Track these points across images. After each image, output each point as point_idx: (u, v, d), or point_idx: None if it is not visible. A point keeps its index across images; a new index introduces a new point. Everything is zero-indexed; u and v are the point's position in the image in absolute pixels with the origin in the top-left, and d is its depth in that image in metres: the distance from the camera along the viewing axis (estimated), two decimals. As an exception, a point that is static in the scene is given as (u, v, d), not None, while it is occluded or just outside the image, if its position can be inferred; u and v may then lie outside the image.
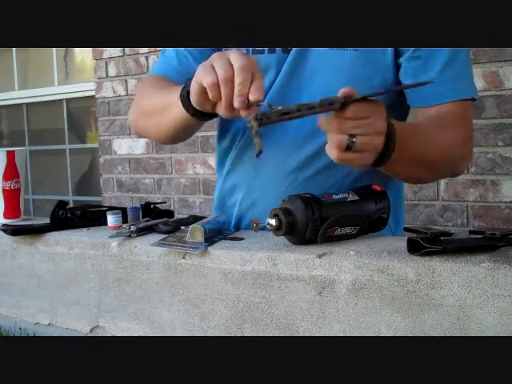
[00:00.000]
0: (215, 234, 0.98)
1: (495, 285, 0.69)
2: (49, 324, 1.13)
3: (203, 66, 0.83)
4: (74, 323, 1.09)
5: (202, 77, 0.82)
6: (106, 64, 3.17)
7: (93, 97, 3.28)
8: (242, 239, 0.95)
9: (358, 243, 0.86)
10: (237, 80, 0.79)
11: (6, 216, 1.27)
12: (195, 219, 1.06)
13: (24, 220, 1.30)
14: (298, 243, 0.88)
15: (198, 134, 2.84)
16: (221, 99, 0.82)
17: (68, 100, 3.66)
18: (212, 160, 2.84)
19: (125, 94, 3.11)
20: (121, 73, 3.11)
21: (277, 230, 0.87)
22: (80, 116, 3.73)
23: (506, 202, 2.09)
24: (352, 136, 0.75)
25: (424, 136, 0.94)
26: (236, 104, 0.79)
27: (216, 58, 0.82)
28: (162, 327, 0.98)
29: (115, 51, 3.11)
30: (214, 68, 0.81)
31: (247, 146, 1.08)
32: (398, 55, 1.01)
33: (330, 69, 1.01)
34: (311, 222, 0.85)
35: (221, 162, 1.17)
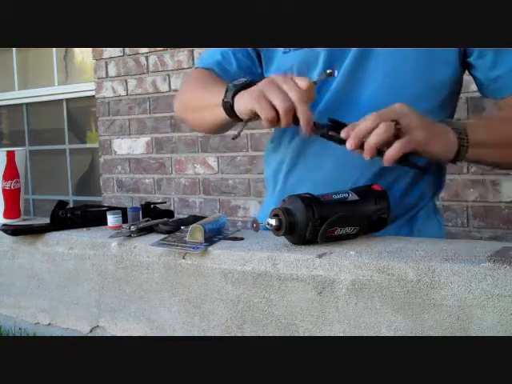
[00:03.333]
0: (215, 234, 0.98)
1: (495, 285, 0.69)
2: (49, 324, 1.13)
3: (257, 98, 0.85)
4: (74, 323, 1.09)
5: (260, 110, 0.85)
6: (106, 64, 3.17)
7: (93, 97, 3.28)
8: (242, 239, 0.95)
9: (358, 243, 0.86)
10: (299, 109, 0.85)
11: (6, 216, 1.27)
12: (195, 219, 1.06)
13: (24, 220, 1.30)
14: (298, 243, 0.88)
15: (198, 133, 2.84)
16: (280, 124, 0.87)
17: (68, 100, 3.66)
18: (212, 160, 2.84)
19: (125, 93, 3.11)
20: (121, 73, 3.12)
21: (277, 229, 0.87)
22: (80, 116, 3.74)
23: (506, 202, 2.09)
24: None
25: (503, 122, 1.01)
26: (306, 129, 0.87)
27: (268, 88, 0.85)
28: (162, 327, 0.98)
29: (115, 51, 3.11)
30: (269, 100, 0.85)
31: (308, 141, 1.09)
32: (465, 55, 1.04)
33: (395, 59, 1.03)
34: (311, 221, 0.85)
35: (275, 150, 1.17)
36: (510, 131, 1.00)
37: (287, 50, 1.08)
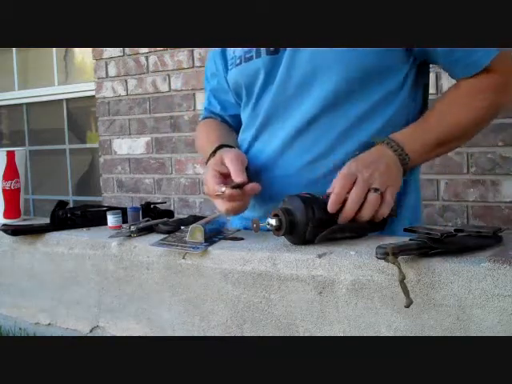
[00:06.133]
0: (215, 234, 0.98)
1: (495, 285, 0.69)
2: (49, 324, 1.13)
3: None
4: (74, 323, 1.09)
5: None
6: (106, 64, 3.16)
7: (93, 97, 3.28)
8: (242, 239, 0.95)
9: (358, 243, 0.86)
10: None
11: (6, 216, 1.27)
12: (195, 219, 1.06)
13: (24, 220, 1.30)
14: (298, 243, 0.88)
15: (198, 133, 2.84)
16: None
17: (68, 100, 3.66)
18: (212, 160, 2.84)
19: (125, 93, 3.11)
20: (121, 73, 3.11)
21: (277, 230, 0.87)
22: (80, 116, 3.73)
23: (505, 202, 2.09)
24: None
25: (438, 120, 1.00)
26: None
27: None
28: (162, 327, 0.98)
29: (115, 51, 3.11)
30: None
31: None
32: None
33: (335, 60, 1.01)
34: (311, 222, 0.85)
35: None
36: (445, 128, 1.00)
37: (231, 66, 1.16)
